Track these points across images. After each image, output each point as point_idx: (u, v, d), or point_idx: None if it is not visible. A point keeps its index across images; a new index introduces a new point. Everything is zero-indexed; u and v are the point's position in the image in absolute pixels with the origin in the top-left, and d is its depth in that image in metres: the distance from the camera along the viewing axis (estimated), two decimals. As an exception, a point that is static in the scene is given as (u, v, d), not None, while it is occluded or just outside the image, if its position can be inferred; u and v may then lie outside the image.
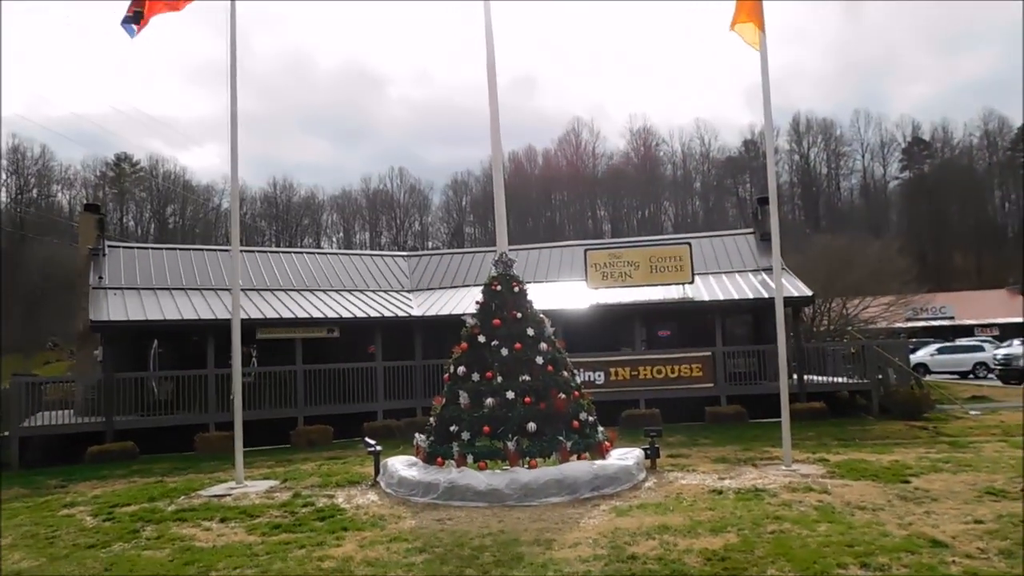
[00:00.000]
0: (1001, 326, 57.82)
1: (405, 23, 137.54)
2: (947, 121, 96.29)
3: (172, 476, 14.39)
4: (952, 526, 8.10)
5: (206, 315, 20.13)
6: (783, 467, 12.18)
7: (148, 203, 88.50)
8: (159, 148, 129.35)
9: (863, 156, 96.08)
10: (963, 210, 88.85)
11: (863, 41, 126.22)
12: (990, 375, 33.62)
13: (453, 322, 15.87)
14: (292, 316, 21.01)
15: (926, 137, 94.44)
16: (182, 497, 11.80)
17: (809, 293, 21.40)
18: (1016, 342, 38.27)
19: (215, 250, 25.25)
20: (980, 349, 37.56)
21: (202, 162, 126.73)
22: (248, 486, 12.43)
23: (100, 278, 21.60)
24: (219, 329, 18.89)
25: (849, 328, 31.42)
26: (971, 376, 35.47)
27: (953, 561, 6.82)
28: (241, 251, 25.87)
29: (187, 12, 13.69)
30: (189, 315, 20.20)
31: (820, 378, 21.15)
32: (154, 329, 20.80)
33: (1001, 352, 32.85)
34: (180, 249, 25.48)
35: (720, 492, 10.27)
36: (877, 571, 6.59)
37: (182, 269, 23.25)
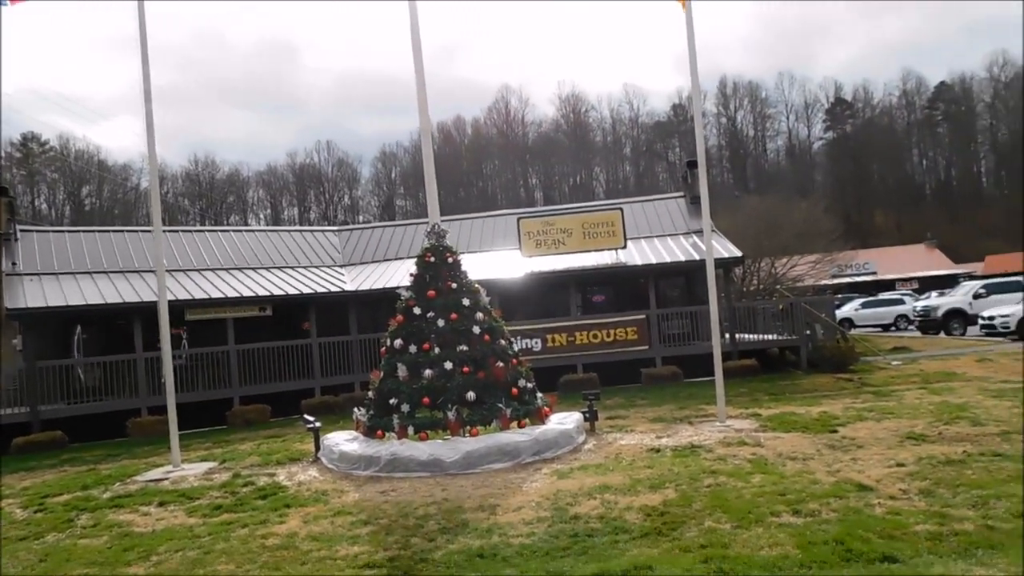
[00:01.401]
0: (920, 279, 60.18)
1: None
2: (868, 82, 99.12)
3: (105, 463, 14.04)
4: (876, 471, 8.47)
5: (131, 298, 19.58)
6: (718, 423, 12.51)
7: (61, 184, 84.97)
8: (69, 127, 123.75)
9: (788, 118, 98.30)
10: (884, 169, 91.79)
11: (785, 2, 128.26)
12: (910, 327, 34.99)
13: (388, 295, 15.79)
14: (222, 295, 20.60)
15: (848, 98, 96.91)
16: (117, 484, 11.54)
17: (739, 254, 21.87)
18: (934, 294, 39.87)
19: (137, 231, 24.52)
20: (901, 302, 39.04)
21: (118, 141, 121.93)
22: (186, 469, 12.22)
23: (13, 264, 20.75)
24: (146, 312, 18.38)
25: (778, 287, 32.26)
26: (893, 328, 36.88)
27: (878, 503, 7.14)
28: (165, 231, 25.24)
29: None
30: (113, 299, 19.61)
31: (751, 336, 21.69)
32: (77, 314, 20.13)
33: (920, 304, 34.19)
34: (99, 231, 24.65)
35: (658, 450, 10.51)
36: (808, 517, 6.85)
37: (102, 252, 22.50)
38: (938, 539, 5.95)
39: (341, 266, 25.29)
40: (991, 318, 26.10)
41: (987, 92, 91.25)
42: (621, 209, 22.71)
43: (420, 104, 13.14)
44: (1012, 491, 7.14)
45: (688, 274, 23.22)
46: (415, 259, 12.74)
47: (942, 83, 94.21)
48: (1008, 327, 25.07)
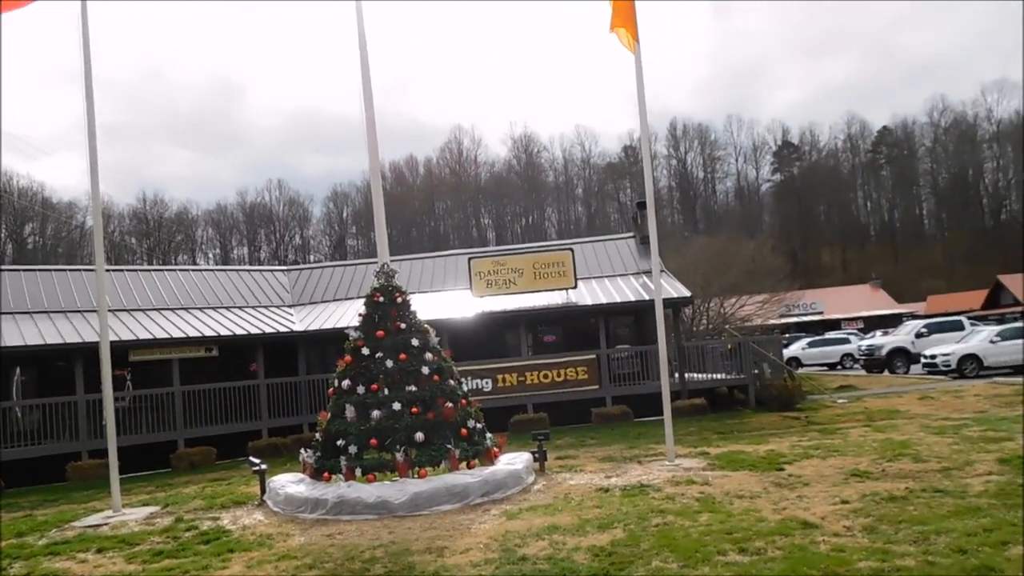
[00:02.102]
0: (865, 319, 61.63)
1: (264, 27, 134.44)
2: (814, 124, 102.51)
3: (42, 508, 13.53)
4: (822, 508, 8.56)
5: (72, 339, 19.08)
6: (667, 462, 12.54)
7: (2, 222, 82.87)
8: (11, 163, 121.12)
9: (737, 160, 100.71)
10: (830, 210, 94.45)
11: (734, 46, 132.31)
12: (856, 365, 35.73)
13: (337, 336, 15.65)
14: (167, 336, 20.20)
15: (795, 140, 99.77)
16: (54, 530, 11.12)
17: (687, 294, 22.18)
18: (879, 333, 40.86)
19: (80, 270, 23.95)
20: (847, 341, 39.89)
21: (61, 178, 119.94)
22: (126, 513, 11.83)
23: (-51, 303, 20.15)
24: (88, 352, 17.95)
25: (727, 327, 32.72)
26: (839, 367, 37.63)
27: (823, 540, 7.20)
28: (110, 270, 24.75)
29: (31, 12, 12.98)
30: (53, 339, 19.10)
31: (700, 375, 21.92)
32: (15, 356, 19.53)
33: (864, 343, 34.99)
34: (40, 270, 24.03)
35: (607, 490, 10.49)
36: (754, 555, 6.88)
37: (43, 291, 21.92)
38: None
39: (290, 306, 25.02)
40: (933, 356, 26.81)
41: (928, 136, 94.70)
42: (572, 249, 22.92)
43: (370, 144, 13.17)
44: (951, 526, 7.27)
45: (638, 313, 23.44)
46: (364, 299, 12.68)
47: (884, 127, 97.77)
48: (949, 365, 25.76)
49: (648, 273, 22.91)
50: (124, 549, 9.39)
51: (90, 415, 18.06)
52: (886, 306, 65.67)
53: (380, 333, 11.90)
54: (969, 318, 39.96)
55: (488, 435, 12.08)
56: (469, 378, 19.75)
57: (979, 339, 26.47)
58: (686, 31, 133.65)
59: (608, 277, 24.23)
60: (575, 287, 22.09)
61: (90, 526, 11.16)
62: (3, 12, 12.45)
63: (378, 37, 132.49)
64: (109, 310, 20.94)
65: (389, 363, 11.63)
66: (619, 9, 13.02)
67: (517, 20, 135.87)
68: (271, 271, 28.62)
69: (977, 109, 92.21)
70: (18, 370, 21.03)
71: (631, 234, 27.30)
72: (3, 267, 25.52)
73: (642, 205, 27.00)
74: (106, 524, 11.17)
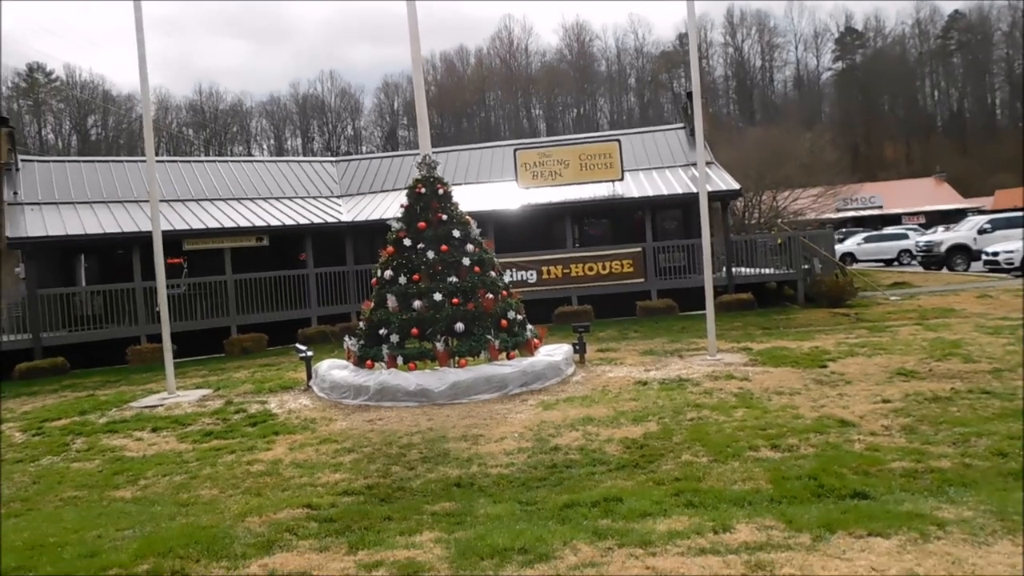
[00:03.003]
0: (928, 214, 59.63)
1: None
2: (879, 9, 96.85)
3: (104, 389, 14.17)
4: (861, 407, 8.47)
5: (129, 228, 19.49)
6: (708, 357, 12.52)
7: (67, 115, 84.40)
8: (74, 58, 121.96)
9: (796, 48, 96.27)
10: (894, 100, 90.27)
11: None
12: (913, 262, 34.82)
13: (384, 226, 15.63)
14: (219, 226, 20.50)
15: (859, 27, 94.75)
16: (114, 409, 11.68)
17: (737, 187, 21.60)
18: (940, 229, 39.57)
19: (136, 161, 24.17)
20: (905, 237, 38.73)
21: (122, 72, 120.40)
22: (180, 396, 12.34)
23: (15, 193, 20.64)
24: (144, 241, 18.25)
25: (778, 221, 32.02)
26: (896, 263, 36.68)
27: (858, 439, 7.15)
28: (165, 161, 25.09)
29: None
30: (111, 229, 19.54)
31: (749, 270, 21.58)
32: (77, 244, 20.13)
33: (923, 239, 33.94)
34: (99, 161, 24.38)
35: (645, 383, 10.54)
36: (786, 452, 6.88)
37: (102, 182, 22.31)
38: (913, 476, 5.97)
39: (338, 197, 25.11)
40: (995, 254, 25.95)
41: (1005, 20, 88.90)
42: (619, 140, 22.35)
43: (412, 35, 12.81)
44: (994, 429, 7.14)
45: (686, 207, 22.98)
46: (406, 190, 12.62)
47: (956, 11, 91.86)
48: (1012, 263, 24.93)
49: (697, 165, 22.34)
50: (176, 429, 9.83)
51: (147, 301, 18.62)
52: (951, 200, 63.30)
53: (422, 224, 11.89)
54: (1038, 214, 38.48)
55: (529, 327, 12.16)
56: (514, 270, 19.81)
57: (1045, 236, 25.48)
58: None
59: (656, 169, 23.68)
60: (622, 179, 21.67)
61: (147, 407, 11.68)
62: None
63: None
64: (163, 200, 21.37)
65: (430, 254, 11.66)
66: None
67: None
68: (320, 162, 28.56)
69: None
70: (82, 257, 21.72)
71: (681, 125, 26.47)
72: (66, 159, 26.01)
73: (692, 95, 26.19)
74: (161, 405, 11.67)
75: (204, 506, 6.51)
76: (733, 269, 21.09)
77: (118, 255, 21.20)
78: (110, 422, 10.64)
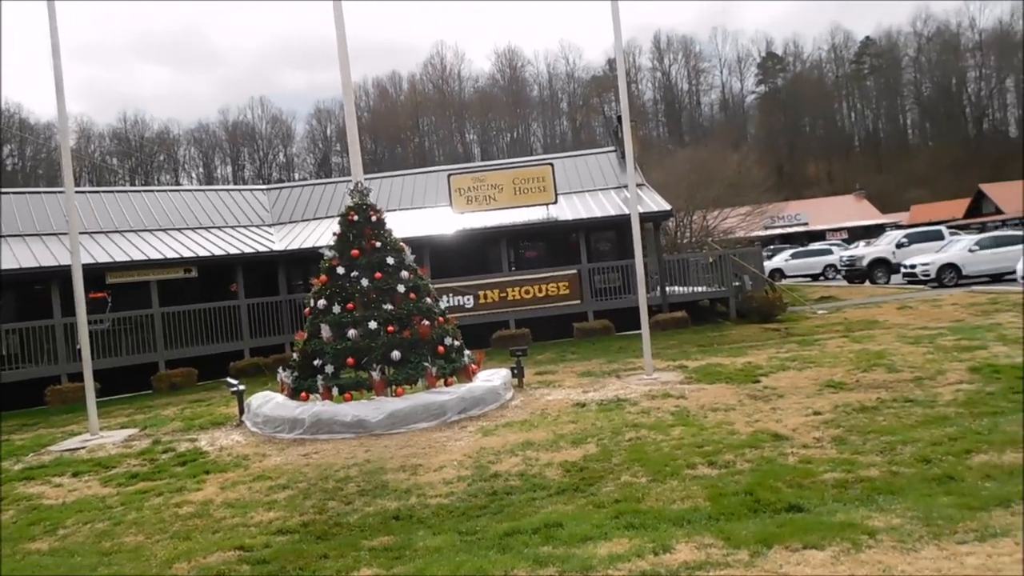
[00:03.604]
0: (850, 229, 61.66)
1: None
2: (798, 35, 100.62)
3: (20, 433, 13.55)
4: (794, 419, 8.63)
5: (47, 262, 18.77)
6: (645, 376, 12.62)
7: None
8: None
9: (721, 72, 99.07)
10: (814, 121, 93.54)
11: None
12: (838, 276, 35.88)
13: (317, 255, 15.46)
14: (144, 257, 19.93)
15: (779, 52, 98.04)
16: (31, 455, 11.15)
17: (667, 207, 21.97)
18: (861, 244, 40.91)
19: (55, 192, 23.40)
20: (829, 252, 39.89)
21: (39, 99, 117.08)
22: (104, 436, 11.87)
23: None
24: (64, 276, 17.62)
25: (709, 239, 32.66)
26: (822, 278, 37.77)
27: (791, 452, 7.27)
28: (86, 192, 24.33)
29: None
30: (28, 263, 18.80)
31: (682, 288, 21.92)
32: (-8, 280, 19.33)
33: (846, 254, 35.04)
34: (15, 193, 23.50)
35: (583, 405, 10.56)
36: (722, 468, 6.95)
37: (17, 214, 21.47)
38: (844, 486, 6.08)
39: (270, 225, 24.70)
40: (913, 266, 26.89)
41: (911, 46, 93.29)
42: (552, 164, 22.55)
43: (342, 61, 12.74)
44: (918, 436, 7.34)
45: (619, 228, 23.25)
46: (338, 218, 12.49)
47: (867, 38, 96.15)
48: (928, 275, 25.86)
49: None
50: (100, 472, 9.44)
51: (68, 338, 17.94)
52: (870, 216, 65.68)
53: (355, 252, 11.76)
54: (950, 227, 40.13)
55: (466, 352, 12.09)
56: (451, 295, 19.77)
57: (958, 248, 26.53)
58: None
59: (589, 192, 23.96)
60: (556, 202, 21.84)
61: (67, 450, 11.19)
62: None
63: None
64: (85, 232, 20.70)
65: (364, 282, 11.52)
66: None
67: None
68: (251, 190, 28.12)
69: (960, 18, 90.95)
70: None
71: (613, 148, 26.90)
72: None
73: (621, 119, 26.64)
74: (83, 447, 11.21)
75: (128, 554, 6.23)
76: (667, 288, 21.39)
77: (36, 291, 20.41)
78: (26, 468, 10.15)
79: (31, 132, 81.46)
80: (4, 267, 18.55)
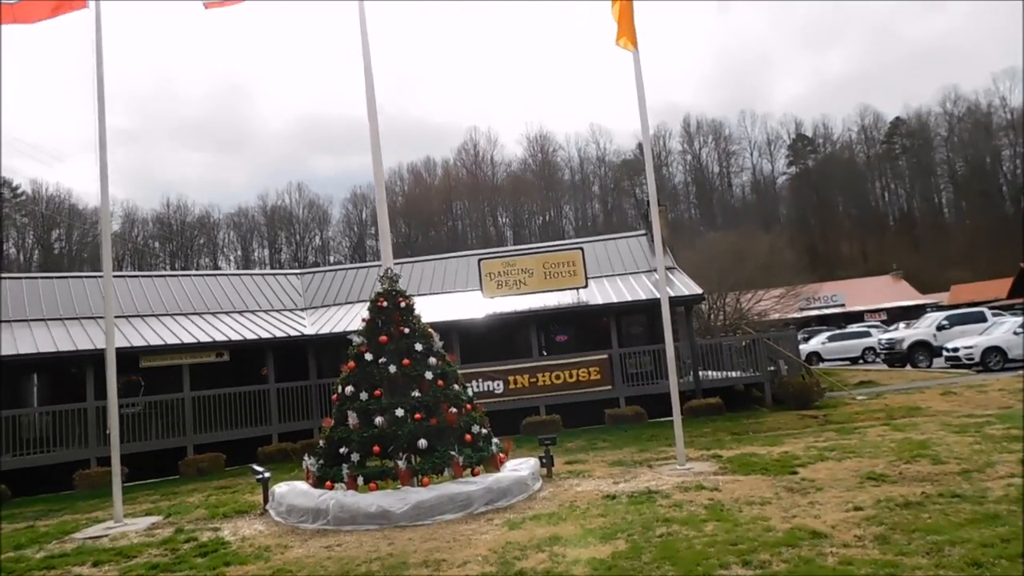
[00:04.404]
0: (888, 310, 60.71)
1: (270, 31, 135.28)
2: (826, 117, 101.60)
3: (45, 519, 13.46)
4: (833, 515, 8.25)
5: (84, 345, 19.07)
6: (677, 466, 12.26)
7: (31, 229, 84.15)
8: (39, 171, 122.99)
9: (751, 153, 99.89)
10: (847, 201, 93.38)
11: (740, 42, 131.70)
12: (877, 359, 35.09)
13: (347, 340, 15.53)
14: (177, 341, 20.16)
15: (808, 133, 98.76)
16: (54, 542, 11.03)
17: (699, 291, 21.81)
18: (901, 325, 40.13)
19: (93, 276, 23.94)
20: (867, 335, 39.15)
21: (87, 185, 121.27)
22: (128, 524, 11.73)
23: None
24: (98, 359, 17.79)
25: (743, 323, 32.29)
26: (861, 361, 36.95)
27: (831, 552, 6.90)
28: (124, 276, 24.83)
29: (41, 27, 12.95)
30: (65, 347, 19.10)
31: (716, 373, 21.55)
32: (29, 362, 19.58)
33: (885, 337, 34.32)
34: (56, 277, 24.07)
35: (613, 497, 10.23)
36: (758, 569, 6.61)
37: (59, 298, 21.99)
38: (888, 591, 5.74)
39: (302, 309, 24.94)
40: (955, 350, 26.25)
41: (942, 126, 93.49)
42: (582, 248, 22.62)
43: (374, 153, 13.00)
44: (967, 536, 6.95)
45: (650, 312, 23.07)
46: (367, 304, 12.52)
47: (897, 118, 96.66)
48: (972, 358, 25.19)
49: (661, 270, 22.58)
50: (120, 562, 9.27)
51: (99, 422, 18.04)
52: (909, 297, 64.67)
53: (383, 338, 11.71)
54: (993, 308, 39.26)
55: (494, 440, 11.86)
56: (481, 380, 19.62)
57: (1002, 331, 25.85)
58: (693, 28, 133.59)
59: (620, 275, 23.93)
60: (586, 286, 21.81)
61: (90, 537, 11.06)
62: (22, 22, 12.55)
63: (392, 37, 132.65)
64: (122, 316, 21.06)
65: (392, 368, 11.43)
66: (621, 24, 12.85)
67: (528, 20, 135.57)
68: (284, 275, 28.52)
69: (991, 98, 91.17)
70: (35, 376, 21.15)
71: (642, 231, 26.98)
72: (20, 275, 25.65)
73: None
74: (106, 535, 11.06)
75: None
76: (700, 373, 21.04)
77: (72, 373, 20.67)
78: (48, 557, 10.01)
79: (79, 217, 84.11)
80: (42, 350, 18.84)
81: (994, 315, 31.62)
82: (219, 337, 20.84)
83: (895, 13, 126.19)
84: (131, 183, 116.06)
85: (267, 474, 12.21)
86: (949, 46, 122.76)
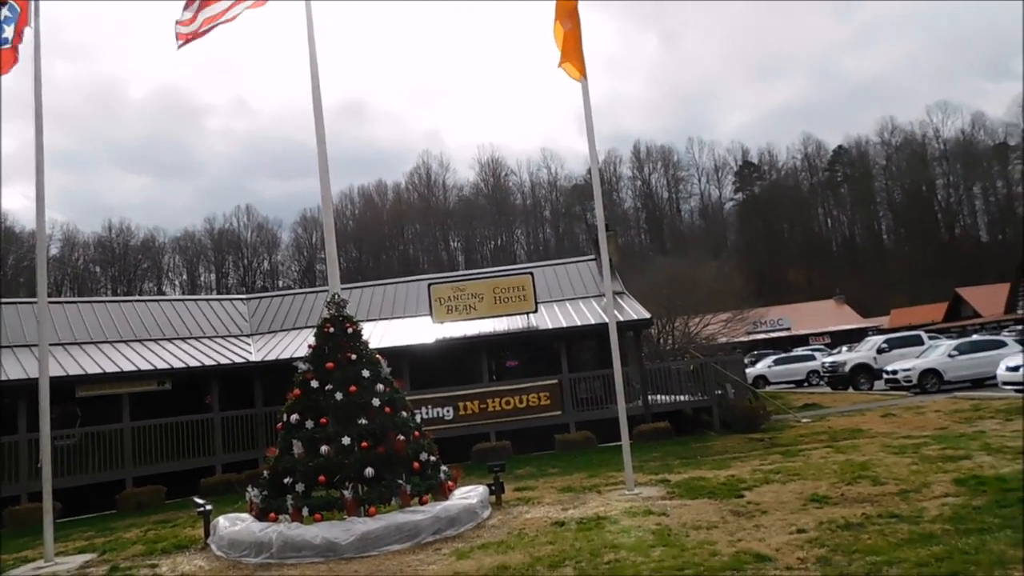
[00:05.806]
0: (832, 334, 62.06)
1: (215, 49, 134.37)
2: (772, 145, 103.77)
3: (-28, 560, 12.92)
4: (777, 538, 8.33)
5: (15, 375, 18.41)
6: (626, 491, 12.28)
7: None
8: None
9: (700, 180, 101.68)
10: (792, 227, 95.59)
11: (687, 72, 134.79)
12: (821, 382, 35.73)
13: (294, 367, 15.29)
14: (116, 369, 19.59)
15: (755, 160, 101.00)
16: (-21, 584, 10.61)
17: (647, 316, 21.99)
18: (844, 349, 40.97)
19: (26, 302, 23.18)
20: (812, 358, 39.87)
21: (25, 206, 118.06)
22: (59, 563, 11.29)
23: None
24: (31, 389, 17.25)
25: (691, 347, 32.64)
26: (805, 384, 37.61)
27: (775, 574, 6.97)
28: (62, 302, 24.15)
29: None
30: (-5, 375, 18.44)
31: (664, 398, 21.69)
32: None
33: (828, 360, 34.99)
34: (-11, 304, 23.29)
35: (562, 524, 10.19)
36: (703, 594, 6.64)
37: (-9, 326, 21.24)
38: (830, 614, 5.79)
39: (248, 335, 24.51)
40: (894, 372, 26.86)
41: (880, 155, 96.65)
42: (532, 273, 22.69)
43: (322, 176, 12.93)
44: (903, 556, 7.08)
45: (600, 336, 22.99)
46: (314, 329, 12.35)
47: (839, 147, 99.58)
48: (910, 380, 25.81)
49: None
50: (50, 604, 8.92)
51: (32, 455, 17.37)
52: (852, 321, 66.28)
53: (330, 365, 11.54)
54: (929, 331, 40.35)
55: (443, 468, 11.74)
56: (430, 407, 19.49)
57: (938, 353, 26.56)
58: (641, 57, 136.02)
59: (570, 300, 24.04)
60: (536, 311, 21.85)
61: (18, 579, 10.64)
62: None
63: (343, 59, 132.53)
64: (58, 344, 20.44)
65: (339, 396, 11.26)
66: (566, 48, 12.93)
67: (481, 45, 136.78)
68: (229, 300, 27.97)
69: (925, 129, 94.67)
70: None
71: (593, 256, 27.16)
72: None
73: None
74: (35, 576, 10.66)
75: None
76: (650, 397, 21.17)
77: (2, 404, 19.94)
78: (-26, 599, 9.63)
79: (16, 240, 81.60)
80: (-28, 381, 18.17)
81: (931, 338, 32.52)
82: (161, 364, 20.33)
83: (835, 49, 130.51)
84: (72, 206, 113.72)
85: (209, 507, 11.88)
86: (886, 79, 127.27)
